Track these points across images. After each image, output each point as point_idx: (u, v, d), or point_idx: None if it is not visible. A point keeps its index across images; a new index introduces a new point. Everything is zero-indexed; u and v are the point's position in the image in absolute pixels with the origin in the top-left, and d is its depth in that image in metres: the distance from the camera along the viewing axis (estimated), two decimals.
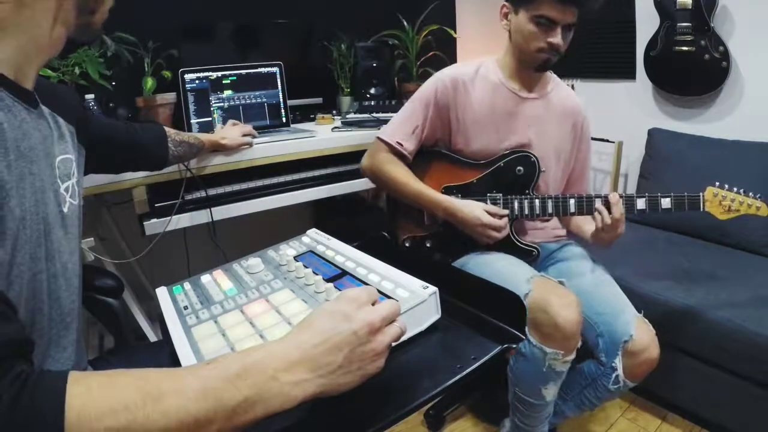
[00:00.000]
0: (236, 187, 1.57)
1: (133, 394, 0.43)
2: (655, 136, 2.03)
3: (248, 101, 1.77)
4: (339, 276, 0.73)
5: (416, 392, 0.55)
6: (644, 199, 1.25)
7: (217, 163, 1.52)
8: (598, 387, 1.24)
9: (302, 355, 0.49)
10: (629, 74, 2.16)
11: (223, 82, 1.72)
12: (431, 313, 0.64)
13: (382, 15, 2.24)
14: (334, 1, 2.24)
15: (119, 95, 1.61)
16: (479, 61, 1.39)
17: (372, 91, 2.12)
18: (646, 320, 1.21)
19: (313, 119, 2.03)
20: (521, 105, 1.35)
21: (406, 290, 0.64)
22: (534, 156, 1.31)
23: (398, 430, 1.59)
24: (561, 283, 1.23)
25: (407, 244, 1.42)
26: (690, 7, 1.81)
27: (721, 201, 1.21)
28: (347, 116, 1.90)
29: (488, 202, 1.32)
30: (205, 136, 1.42)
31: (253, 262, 0.80)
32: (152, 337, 1.68)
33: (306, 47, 2.20)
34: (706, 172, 1.82)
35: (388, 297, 0.64)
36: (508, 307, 0.64)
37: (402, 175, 1.36)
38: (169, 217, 1.45)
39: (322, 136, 1.74)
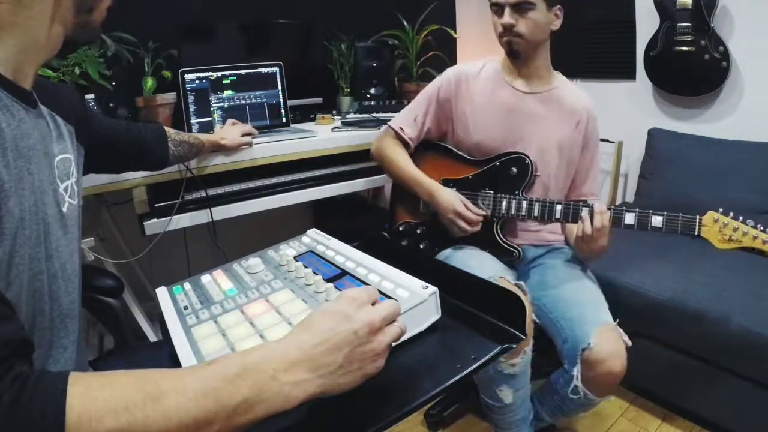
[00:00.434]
0: (236, 187, 1.57)
1: (134, 394, 0.43)
2: (655, 136, 2.03)
3: (248, 101, 1.77)
4: (339, 276, 0.73)
5: (416, 392, 0.55)
6: (634, 214, 1.20)
7: (217, 163, 1.52)
8: (561, 395, 1.23)
9: (302, 355, 0.49)
10: (629, 74, 2.16)
11: (223, 82, 1.72)
12: (431, 313, 0.64)
13: (382, 15, 2.24)
14: (334, 1, 2.24)
15: (119, 95, 1.60)
16: (485, 60, 1.46)
17: (372, 91, 2.12)
18: (620, 332, 1.17)
19: (313, 119, 2.03)
20: (521, 101, 1.37)
21: (406, 290, 0.64)
22: (529, 159, 1.32)
23: (398, 430, 1.59)
24: (518, 286, 1.24)
25: (401, 229, 1.51)
26: (690, 7, 1.81)
27: (721, 228, 1.11)
28: (347, 116, 1.90)
29: (479, 198, 1.37)
30: (204, 137, 1.43)
31: (253, 262, 0.80)
32: (152, 337, 1.68)
33: (306, 47, 2.20)
34: (707, 172, 1.82)
35: (388, 297, 0.64)
36: (508, 307, 0.64)
37: (400, 158, 1.47)
38: (169, 217, 1.45)
39: (322, 136, 1.74)
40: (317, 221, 2.36)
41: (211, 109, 1.71)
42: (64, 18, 0.61)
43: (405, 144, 1.49)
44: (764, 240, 1.07)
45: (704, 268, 1.56)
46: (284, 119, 1.83)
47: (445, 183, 1.42)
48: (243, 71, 1.76)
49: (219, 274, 0.81)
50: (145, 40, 1.70)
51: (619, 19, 2.15)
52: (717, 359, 1.40)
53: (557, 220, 1.29)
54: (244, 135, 1.55)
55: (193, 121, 1.68)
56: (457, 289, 0.69)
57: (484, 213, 1.33)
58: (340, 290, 0.67)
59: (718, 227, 1.11)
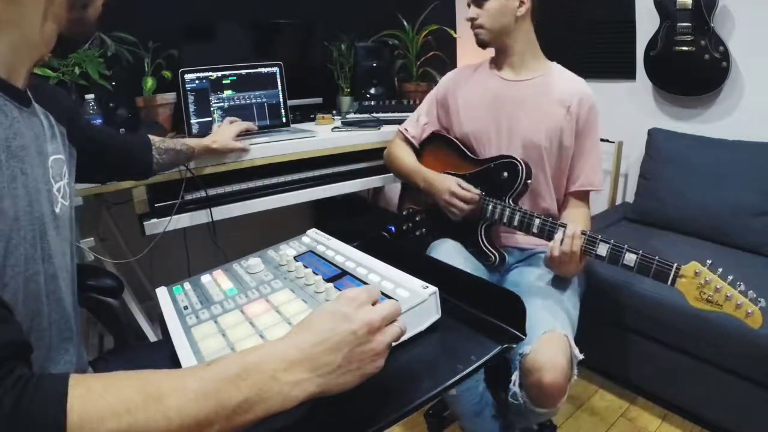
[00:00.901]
0: (236, 187, 1.57)
1: (134, 395, 0.43)
2: (655, 136, 2.03)
3: (248, 101, 1.77)
4: (339, 276, 0.74)
5: (416, 392, 0.55)
6: (608, 246, 1.10)
7: (217, 163, 1.52)
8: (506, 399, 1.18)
9: (302, 354, 0.49)
10: (629, 74, 2.16)
11: (223, 82, 1.72)
12: (431, 313, 0.64)
13: (382, 15, 2.25)
14: (334, 1, 2.24)
15: (119, 95, 1.60)
16: (484, 59, 1.53)
17: (372, 91, 2.12)
18: (571, 344, 1.09)
19: (313, 119, 2.03)
20: (507, 88, 1.42)
21: (406, 290, 0.64)
22: (522, 165, 1.32)
23: (398, 430, 1.59)
24: None
25: (404, 213, 1.61)
26: (690, 7, 1.81)
27: (701, 285, 0.95)
28: (347, 116, 1.90)
29: None
30: (194, 141, 1.39)
31: (253, 262, 0.80)
32: (152, 337, 1.68)
33: (306, 47, 2.20)
34: (707, 173, 1.82)
35: (389, 297, 0.64)
36: (508, 307, 0.64)
37: (403, 155, 1.57)
38: (169, 217, 1.45)
39: (322, 136, 1.74)
40: (317, 221, 2.36)
41: (211, 109, 1.71)
42: (57, 14, 0.60)
43: (410, 144, 1.60)
44: (748, 312, 0.90)
45: None
46: (284, 119, 1.83)
47: None
48: (243, 71, 1.76)
49: (219, 274, 0.81)
50: (145, 40, 1.70)
51: (619, 19, 2.14)
52: (717, 359, 1.40)
53: (534, 234, 1.26)
54: (242, 132, 1.54)
55: (193, 121, 1.68)
56: (457, 289, 0.69)
57: (478, 192, 1.34)
58: (340, 290, 0.67)
59: (698, 283, 0.96)
